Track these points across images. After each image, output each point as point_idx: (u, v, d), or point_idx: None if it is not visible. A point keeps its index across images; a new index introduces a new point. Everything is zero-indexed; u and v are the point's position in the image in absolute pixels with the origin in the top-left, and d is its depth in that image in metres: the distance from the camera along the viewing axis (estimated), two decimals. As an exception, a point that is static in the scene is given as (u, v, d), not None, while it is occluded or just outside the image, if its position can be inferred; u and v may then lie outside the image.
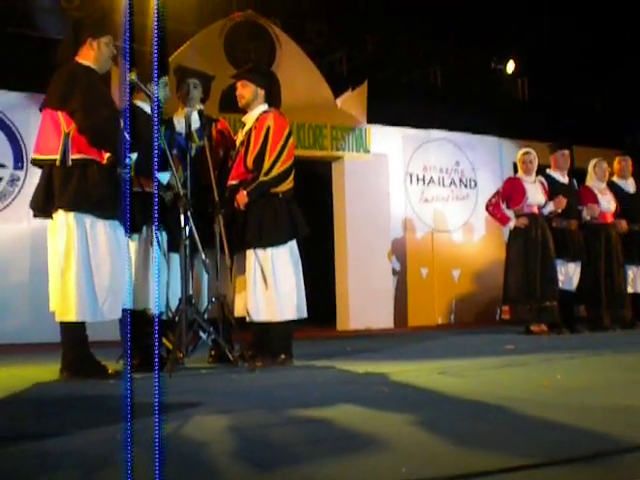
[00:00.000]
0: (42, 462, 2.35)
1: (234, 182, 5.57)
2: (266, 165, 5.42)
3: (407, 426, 2.85)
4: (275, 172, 5.43)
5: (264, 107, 5.69)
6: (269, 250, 5.39)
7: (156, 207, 4.46)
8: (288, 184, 5.54)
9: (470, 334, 8.39)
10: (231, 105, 6.23)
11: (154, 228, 5.16)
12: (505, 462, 2.16)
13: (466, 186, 11.67)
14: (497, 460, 2.20)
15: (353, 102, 10.50)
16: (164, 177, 5.17)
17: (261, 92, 5.69)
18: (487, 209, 8.45)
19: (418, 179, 11.30)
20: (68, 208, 4.58)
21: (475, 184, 11.73)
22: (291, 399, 3.71)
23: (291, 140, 5.61)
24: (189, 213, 5.08)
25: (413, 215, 11.14)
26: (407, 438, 2.63)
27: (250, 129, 5.61)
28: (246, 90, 5.70)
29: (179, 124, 5.71)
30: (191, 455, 2.43)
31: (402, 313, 10.78)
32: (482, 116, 11.84)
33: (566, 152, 8.51)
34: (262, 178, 5.42)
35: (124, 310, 4.72)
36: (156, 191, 4.62)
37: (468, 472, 2.07)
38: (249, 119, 5.70)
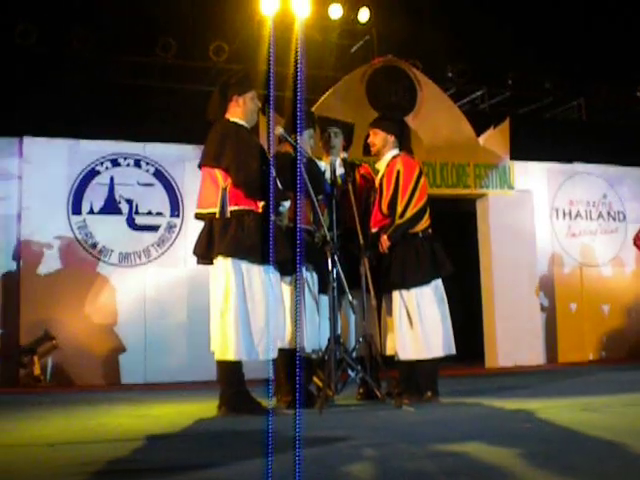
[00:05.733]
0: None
1: (374, 229, 5.82)
2: (399, 208, 5.65)
3: (537, 460, 2.97)
4: (409, 214, 5.65)
5: (394, 152, 5.89)
6: (413, 290, 5.59)
7: (300, 248, 4.78)
8: (424, 223, 5.74)
9: (620, 370, 8.25)
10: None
11: (305, 270, 5.49)
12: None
13: (614, 219, 11.49)
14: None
15: (495, 139, 10.57)
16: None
17: (391, 138, 5.91)
18: (635, 243, 8.35)
19: (564, 213, 11.23)
20: (226, 254, 4.94)
21: (624, 217, 11.53)
22: (433, 434, 3.89)
23: (422, 180, 5.78)
24: (336, 256, 5.37)
25: (560, 250, 11.06)
26: (534, 472, 2.78)
27: (382, 175, 5.86)
28: (377, 138, 5.94)
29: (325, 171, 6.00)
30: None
31: (552, 349, 10.69)
32: (629, 147, 11.65)
33: None
34: (397, 221, 5.65)
35: (280, 350, 5.03)
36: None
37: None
38: (381, 165, 5.93)
